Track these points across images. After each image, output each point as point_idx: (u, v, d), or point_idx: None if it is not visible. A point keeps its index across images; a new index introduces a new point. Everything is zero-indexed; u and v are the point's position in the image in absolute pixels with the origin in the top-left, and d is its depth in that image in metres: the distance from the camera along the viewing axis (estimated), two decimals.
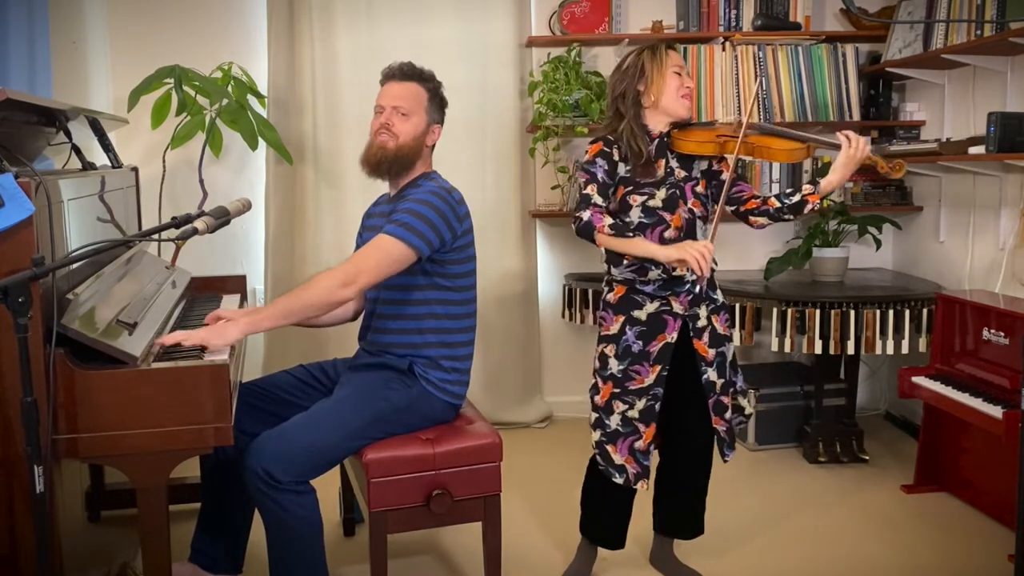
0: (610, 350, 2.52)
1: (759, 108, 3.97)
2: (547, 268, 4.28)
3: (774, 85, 3.98)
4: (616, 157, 2.47)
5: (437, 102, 2.50)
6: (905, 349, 3.49)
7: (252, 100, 3.76)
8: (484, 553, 2.40)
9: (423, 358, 2.43)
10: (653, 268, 2.46)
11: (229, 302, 2.99)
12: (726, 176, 2.53)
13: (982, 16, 3.29)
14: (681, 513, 2.69)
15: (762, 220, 2.53)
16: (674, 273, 2.46)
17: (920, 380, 3.19)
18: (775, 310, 3.50)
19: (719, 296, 2.59)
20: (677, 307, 2.50)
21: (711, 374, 2.54)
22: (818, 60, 4.00)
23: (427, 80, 2.49)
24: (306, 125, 3.99)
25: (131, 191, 2.99)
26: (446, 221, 2.34)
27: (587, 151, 2.52)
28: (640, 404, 2.50)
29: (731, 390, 2.62)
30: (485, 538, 2.40)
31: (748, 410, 2.68)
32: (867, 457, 3.67)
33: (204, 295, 3.11)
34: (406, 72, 2.48)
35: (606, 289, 2.58)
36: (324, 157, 4.00)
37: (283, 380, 2.57)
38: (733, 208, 2.57)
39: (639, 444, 2.51)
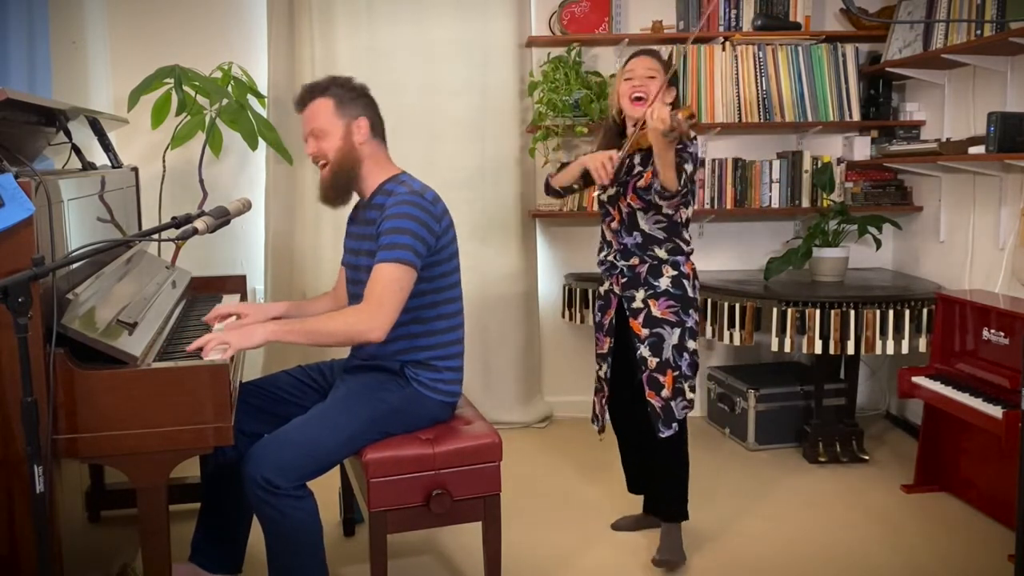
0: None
1: (759, 106, 3.97)
2: (547, 268, 4.28)
3: (774, 85, 3.98)
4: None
5: (344, 99, 2.40)
6: (905, 349, 3.49)
7: (252, 100, 3.77)
8: (484, 553, 2.40)
9: (414, 361, 2.42)
10: (605, 248, 2.83)
11: (229, 302, 2.98)
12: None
13: (982, 16, 3.29)
14: (656, 494, 2.90)
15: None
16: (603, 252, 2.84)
17: (920, 380, 3.19)
18: (775, 310, 3.50)
19: (661, 284, 2.72)
20: (616, 287, 2.79)
21: (643, 351, 2.74)
22: (818, 60, 4.00)
23: (323, 89, 2.41)
24: None
25: (131, 191, 3.00)
26: (427, 227, 2.32)
27: None
28: (603, 367, 2.89)
29: (672, 372, 2.71)
30: (485, 538, 2.40)
31: (690, 395, 2.75)
32: (867, 457, 3.67)
33: (204, 295, 3.11)
34: (303, 98, 2.43)
35: None
36: None
37: (282, 380, 2.57)
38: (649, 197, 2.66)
39: (602, 400, 2.92)
